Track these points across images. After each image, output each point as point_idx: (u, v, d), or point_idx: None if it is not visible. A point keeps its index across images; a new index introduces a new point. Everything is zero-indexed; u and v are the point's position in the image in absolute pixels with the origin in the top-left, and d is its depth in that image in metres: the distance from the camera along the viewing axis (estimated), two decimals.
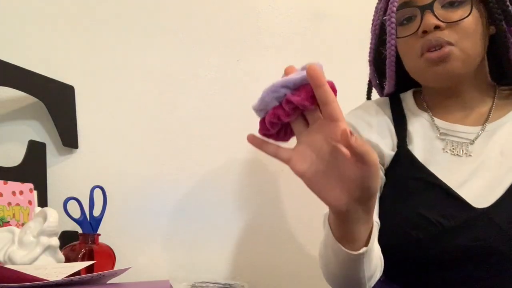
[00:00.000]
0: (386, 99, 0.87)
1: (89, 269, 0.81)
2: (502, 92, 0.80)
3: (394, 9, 0.75)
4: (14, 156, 1.00)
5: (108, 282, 0.80)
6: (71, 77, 1.10)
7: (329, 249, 0.61)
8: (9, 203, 0.86)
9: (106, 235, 0.93)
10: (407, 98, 0.85)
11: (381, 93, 0.91)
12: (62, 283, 0.66)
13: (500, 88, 0.80)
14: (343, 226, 0.54)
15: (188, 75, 1.19)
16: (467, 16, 0.71)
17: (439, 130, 0.78)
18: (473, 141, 0.75)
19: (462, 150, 0.75)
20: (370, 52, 0.87)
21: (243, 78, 1.22)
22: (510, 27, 0.73)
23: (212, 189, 1.17)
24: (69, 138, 1.07)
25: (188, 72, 1.19)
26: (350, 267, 0.59)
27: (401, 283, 0.74)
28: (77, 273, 0.73)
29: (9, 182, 0.88)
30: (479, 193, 0.70)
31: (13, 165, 0.96)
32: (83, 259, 0.84)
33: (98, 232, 0.91)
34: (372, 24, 0.85)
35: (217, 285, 0.97)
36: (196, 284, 0.97)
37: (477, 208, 0.68)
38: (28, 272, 0.63)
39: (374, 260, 0.62)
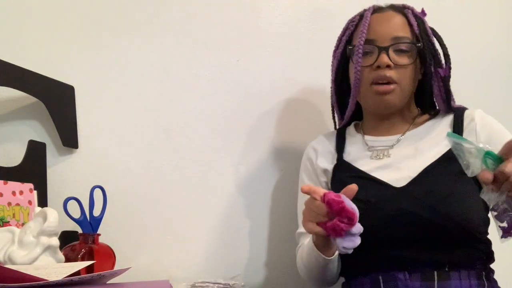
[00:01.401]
0: (335, 131, 1.10)
1: (89, 269, 0.81)
2: (421, 117, 1.02)
3: (362, 41, 0.94)
4: (14, 156, 1.00)
5: (108, 282, 0.80)
6: (71, 77, 1.09)
7: (312, 258, 0.89)
8: (9, 203, 0.86)
9: (106, 235, 0.93)
10: (350, 127, 1.09)
11: (338, 109, 1.10)
12: (62, 283, 0.66)
13: (420, 113, 1.03)
14: (325, 242, 0.84)
15: (188, 75, 1.19)
16: (411, 63, 0.94)
17: (367, 145, 1.01)
18: (392, 146, 0.97)
19: (383, 154, 0.97)
20: (332, 72, 1.05)
21: (243, 78, 1.22)
22: (437, 69, 0.95)
23: (211, 189, 1.17)
24: (69, 138, 1.07)
25: (188, 72, 1.19)
26: (328, 267, 0.90)
27: (362, 275, 0.91)
28: (77, 273, 0.73)
29: (9, 182, 0.88)
30: (398, 178, 0.90)
31: (13, 165, 0.96)
32: (83, 259, 0.84)
33: (98, 232, 0.91)
34: (335, 51, 1.04)
35: (217, 285, 0.97)
36: (196, 284, 0.97)
37: (397, 187, 0.89)
38: (28, 272, 0.63)
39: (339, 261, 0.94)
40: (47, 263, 0.74)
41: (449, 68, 0.96)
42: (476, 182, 0.85)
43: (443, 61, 0.96)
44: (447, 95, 0.97)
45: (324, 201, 0.74)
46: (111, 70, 1.14)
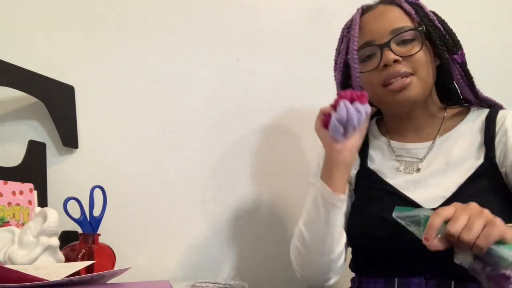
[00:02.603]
0: None
1: (89, 269, 0.81)
2: (450, 112, 0.93)
3: (355, 47, 0.88)
4: (14, 156, 1.00)
5: (108, 282, 0.80)
6: (71, 77, 1.09)
7: (315, 205, 0.85)
8: (9, 203, 0.86)
9: (106, 235, 0.93)
10: (372, 126, 1.00)
11: None
12: (62, 283, 0.66)
13: (448, 108, 0.93)
14: (332, 169, 0.84)
15: (188, 75, 1.19)
16: (419, 50, 0.85)
17: (394, 152, 0.93)
18: (422, 159, 0.90)
19: (413, 168, 0.89)
20: (337, 86, 0.99)
21: (243, 78, 1.22)
22: (452, 56, 0.87)
23: (211, 189, 1.17)
24: (69, 138, 1.07)
25: (188, 72, 1.19)
26: (330, 219, 0.84)
27: (376, 276, 0.87)
28: (77, 273, 0.73)
29: (9, 182, 0.88)
30: (429, 197, 0.83)
31: (13, 165, 0.96)
32: (83, 259, 0.84)
33: (98, 232, 0.91)
34: (336, 63, 0.97)
35: (217, 285, 0.97)
36: (196, 284, 0.97)
37: (427, 208, 0.79)
38: (28, 272, 0.63)
39: (342, 224, 0.87)
40: (47, 263, 0.74)
41: (462, 53, 0.88)
42: (506, 202, 0.83)
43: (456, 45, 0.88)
44: (469, 80, 0.89)
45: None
46: (111, 70, 1.14)
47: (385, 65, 0.84)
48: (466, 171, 0.84)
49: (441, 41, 0.87)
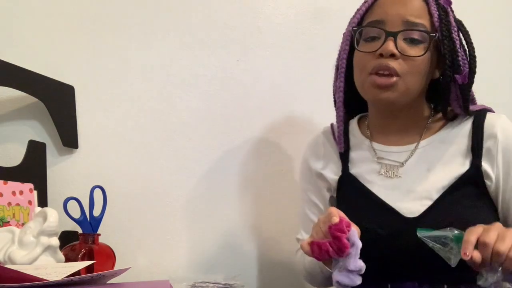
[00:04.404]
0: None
1: (89, 269, 0.81)
2: (435, 118, 0.90)
3: (354, 22, 0.86)
4: (14, 156, 1.00)
5: (108, 282, 0.80)
6: (71, 77, 1.09)
7: (316, 267, 0.86)
8: (9, 203, 0.86)
9: (106, 235, 0.93)
10: (353, 124, 0.97)
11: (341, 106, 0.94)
12: (62, 283, 0.66)
13: (433, 113, 0.90)
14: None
15: (188, 75, 1.19)
16: (421, 55, 0.80)
17: (376, 154, 0.90)
18: (403, 164, 0.87)
19: (393, 173, 0.86)
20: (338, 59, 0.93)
21: (243, 78, 1.22)
22: (455, 74, 0.81)
23: (211, 189, 1.17)
24: (69, 138, 1.07)
25: (188, 72, 1.19)
26: (327, 274, 0.81)
27: (368, 282, 0.83)
28: (77, 273, 0.73)
29: (9, 182, 0.88)
30: (411, 206, 0.82)
31: (13, 165, 0.96)
32: (83, 259, 0.84)
33: (98, 232, 0.91)
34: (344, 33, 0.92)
35: (217, 285, 0.97)
36: (196, 284, 0.97)
37: (408, 217, 0.81)
38: (28, 272, 0.63)
39: None
40: (47, 263, 0.74)
41: (472, 72, 0.82)
42: (491, 207, 0.83)
43: (465, 64, 0.82)
44: (465, 103, 0.84)
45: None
46: (111, 70, 1.13)
47: (381, 55, 0.80)
48: (450, 177, 0.82)
49: (450, 56, 0.81)
